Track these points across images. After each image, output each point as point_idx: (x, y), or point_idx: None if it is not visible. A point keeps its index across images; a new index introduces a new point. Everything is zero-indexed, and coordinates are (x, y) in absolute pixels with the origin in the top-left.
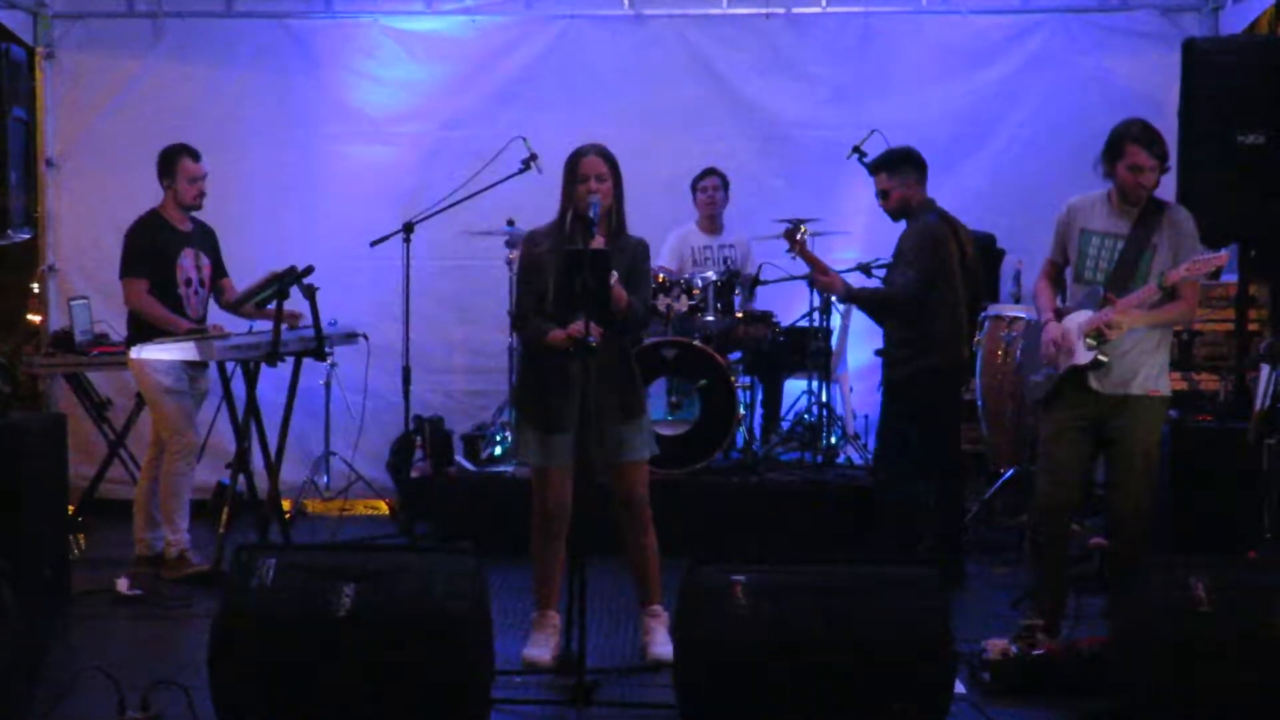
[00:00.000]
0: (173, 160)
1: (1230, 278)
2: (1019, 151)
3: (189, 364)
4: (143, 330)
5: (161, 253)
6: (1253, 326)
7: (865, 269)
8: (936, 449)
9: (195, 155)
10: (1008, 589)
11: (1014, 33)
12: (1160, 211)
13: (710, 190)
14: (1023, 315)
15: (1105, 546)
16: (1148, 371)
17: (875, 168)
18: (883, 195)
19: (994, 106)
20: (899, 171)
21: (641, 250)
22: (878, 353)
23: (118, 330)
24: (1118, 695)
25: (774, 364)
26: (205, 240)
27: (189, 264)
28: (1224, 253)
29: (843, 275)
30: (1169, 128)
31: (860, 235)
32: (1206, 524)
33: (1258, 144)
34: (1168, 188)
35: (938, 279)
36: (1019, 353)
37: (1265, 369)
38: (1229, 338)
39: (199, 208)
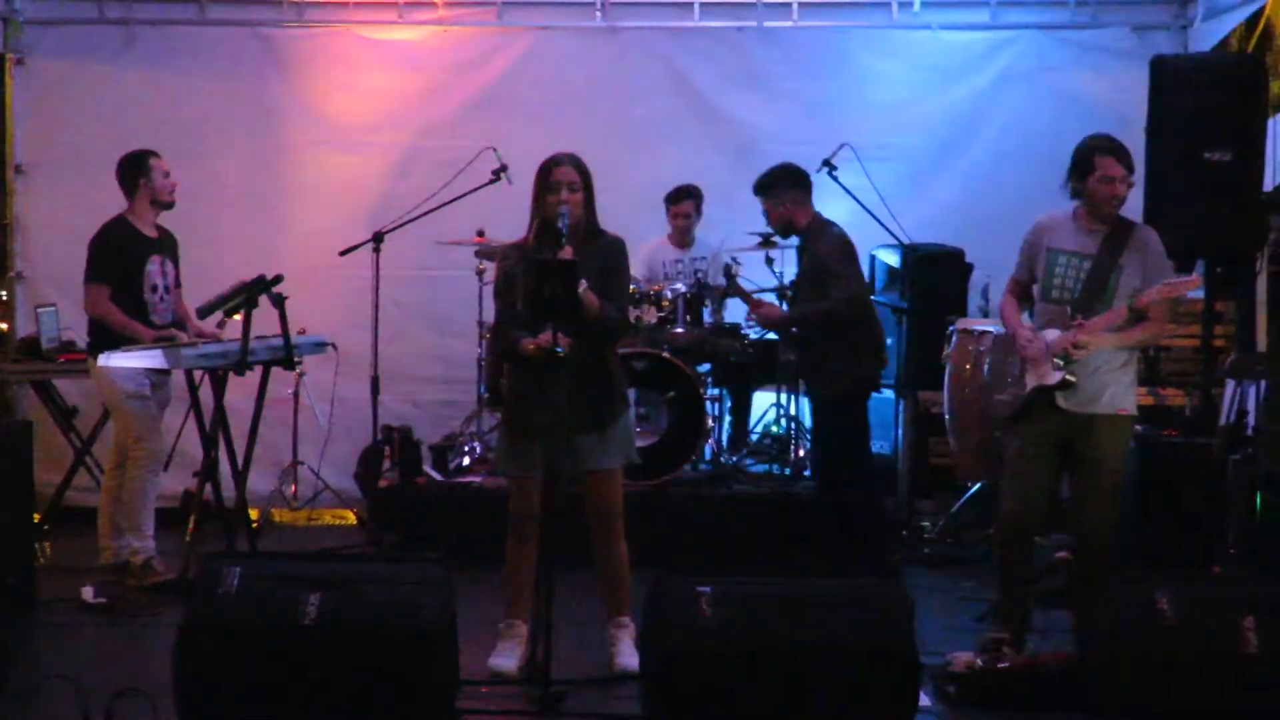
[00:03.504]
0: (141, 162)
1: (1197, 294)
2: (989, 166)
3: (152, 371)
4: (104, 336)
5: (129, 259)
6: (1219, 343)
7: (783, 292)
8: (870, 456)
9: (158, 154)
10: (974, 603)
11: (985, 48)
12: (1128, 231)
13: (682, 217)
14: (991, 329)
15: (1070, 561)
16: (1115, 390)
17: (755, 189)
18: (766, 215)
19: (965, 122)
20: (774, 193)
21: (616, 251)
22: (801, 375)
23: (85, 337)
24: (1083, 709)
25: (743, 376)
26: (170, 248)
27: (156, 271)
28: (1195, 276)
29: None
30: (1137, 144)
31: None
32: (1172, 538)
33: (1224, 161)
34: (1135, 204)
35: (865, 287)
36: (986, 369)
37: (1231, 385)
38: (1196, 353)
39: (174, 204)
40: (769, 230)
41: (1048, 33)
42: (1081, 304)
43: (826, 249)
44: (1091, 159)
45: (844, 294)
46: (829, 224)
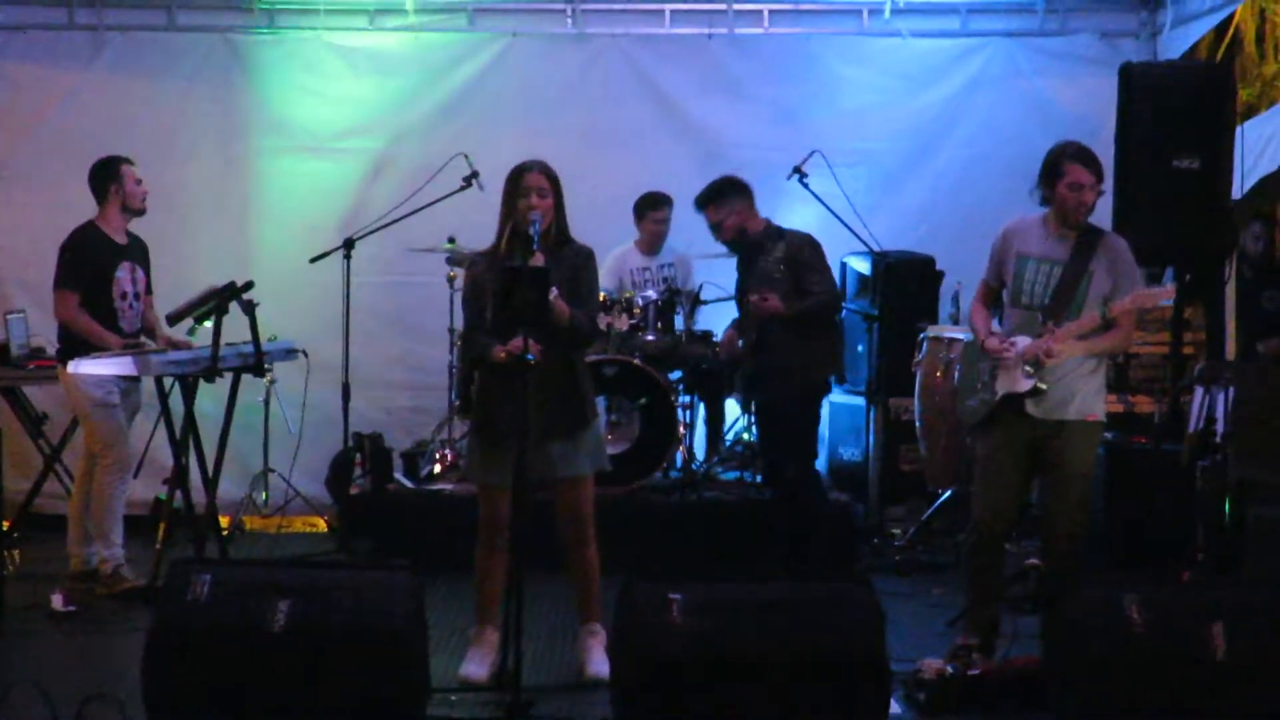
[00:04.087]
0: (113, 168)
1: (1165, 301)
2: (959, 173)
3: (122, 377)
4: (74, 343)
5: (98, 266)
6: (1188, 350)
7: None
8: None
9: (132, 161)
10: (944, 609)
11: (955, 55)
12: (1097, 238)
13: (661, 222)
14: (961, 337)
15: (1040, 567)
16: (1083, 396)
17: (701, 203)
18: (715, 228)
19: (935, 128)
20: (725, 202)
21: (586, 259)
22: (753, 378)
23: (54, 344)
24: (1052, 714)
25: (715, 383)
26: (140, 254)
27: (125, 277)
28: (1170, 286)
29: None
30: (1106, 152)
31: None
32: (1140, 545)
33: (1192, 168)
34: (1104, 211)
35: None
36: (955, 374)
37: (1199, 392)
38: (1165, 360)
39: (145, 211)
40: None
41: (1017, 40)
42: (1051, 310)
43: (801, 249)
44: (1060, 165)
45: (831, 288)
46: (785, 229)
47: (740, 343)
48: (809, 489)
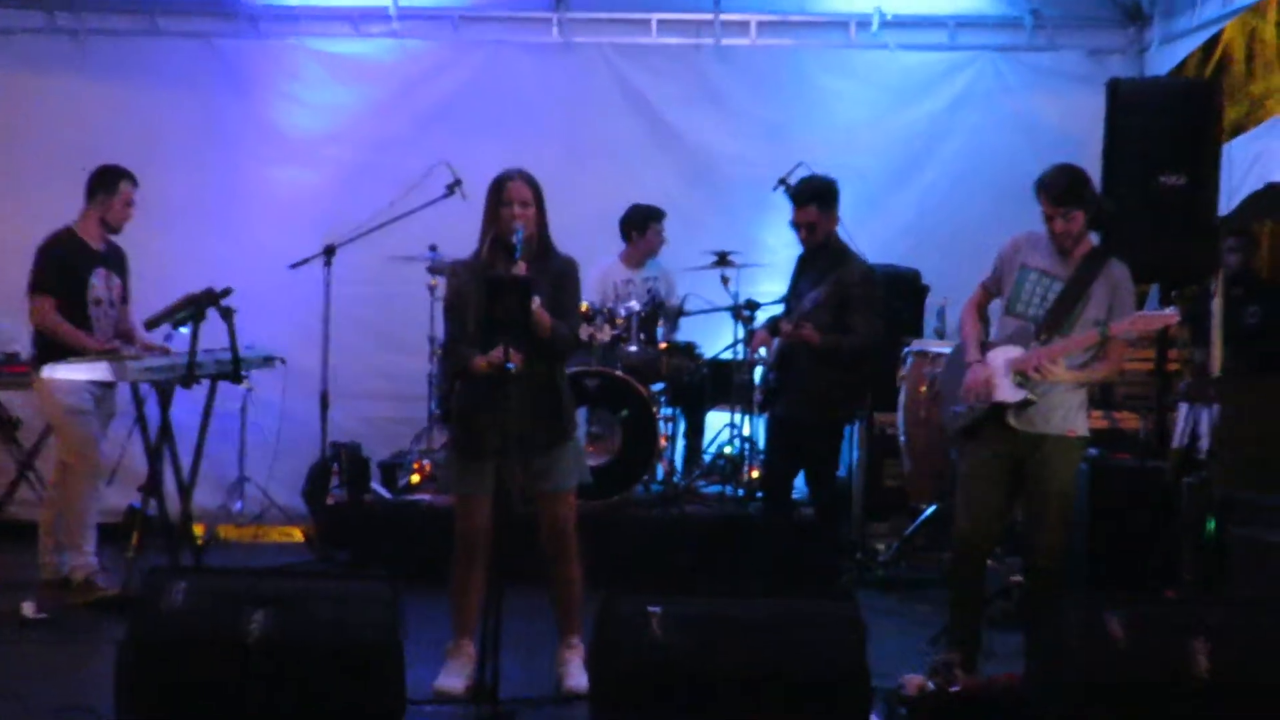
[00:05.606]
0: (115, 180)
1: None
2: (945, 188)
3: (96, 384)
4: (50, 349)
5: (73, 271)
6: (1173, 366)
7: (738, 312)
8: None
9: (135, 181)
10: (926, 625)
11: (942, 69)
12: (1102, 262)
13: (660, 234)
14: (945, 352)
15: (1023, 583)
16: (1066, 411)
17: (805, 199)
18: (809, 228)
19: (921, 143)
20: (829, 206)
21: (568, 269)
22: (781, 385)
23: (29, 349)
24: None
25: (697, 396)
26: (117, 261)
27: (100, 284)
28: (1172, 311)
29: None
30: (1093, 168)
31: (784, 269)
32: (1124, 562)
33: (1179, 185)
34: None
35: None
36: (939, 382)
37: (1184, 408)
38: (1150, 376)
39: (120, 231)
40: (725, 250)
41: (1005, 55)
42: (1046, 325)
43: (853, 285)
44: (1037, 195)
45: (873, 330)
46: (853, 252)
47: (762, 351)
48: (830, 516)
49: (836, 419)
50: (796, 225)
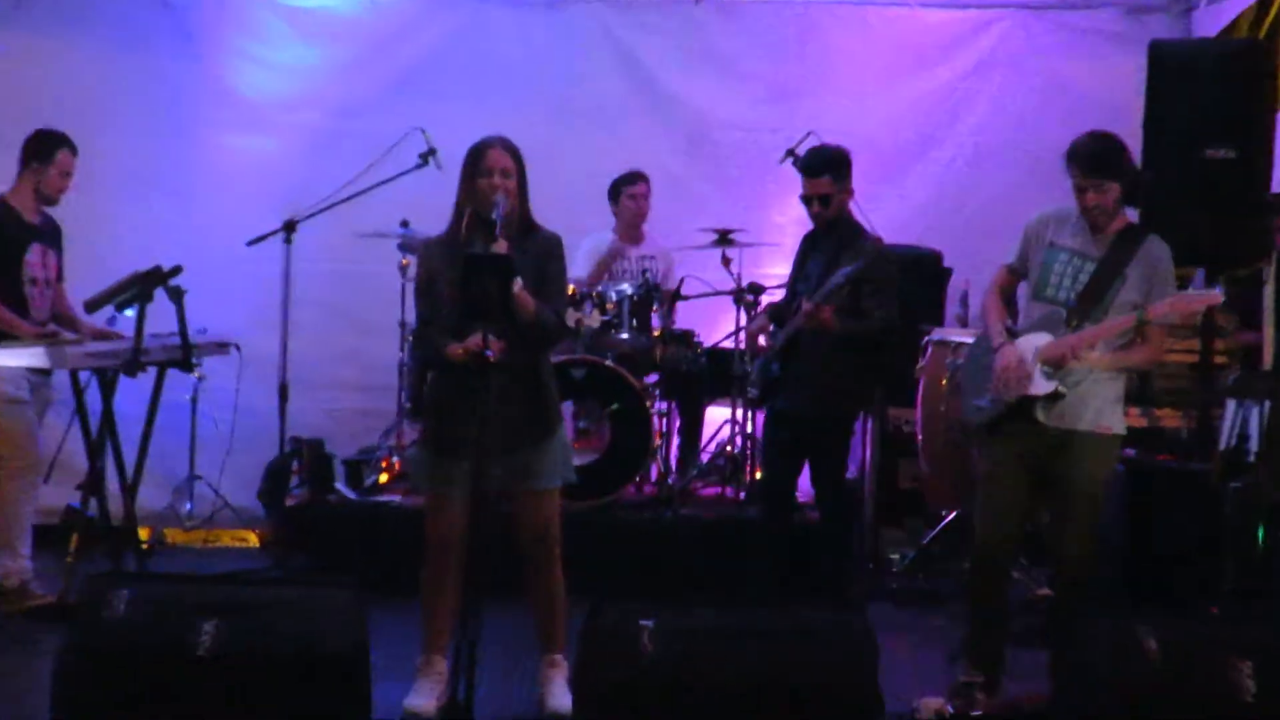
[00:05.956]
0: (52, 148)
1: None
2: (968, 161)
3: (32, 371)
4: None
5: (6, 247)
6: (1219, 359)
7: (740, 295)
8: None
9: (74, 149)
10: (945, 642)
11: (966, 29)
12: (1138, 240)
13: (639, 198)
14: (969, 341)
15: (1049, 596)
16: (1099, 405)
17: (817, 169)
18: (822, 201)
19: (942, 111)
20: (844, 176)
21: (553, 247)
22: (784, 377)
23: None
24: None
25: (694, 388)
26: (52, 236)
27: (36, 260)
28: (1217, 291)
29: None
30: (1133, 139)
31: (792, 248)
32: (1164, 574)
33: (1228, 159)
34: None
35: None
36: (960, 373)
37: (1230, 405)
38: (1193, 370)
39: (56, 204)
40: (726, 228)
41: (1036, 13)
42: (1078, 310)
43: (876, 264)
44: (1067, 165)
45: (891, 314)
46: (866, 230)
47: (763, 338)
48: (839, 519)
49: (847, 412)
50: (807, 199)
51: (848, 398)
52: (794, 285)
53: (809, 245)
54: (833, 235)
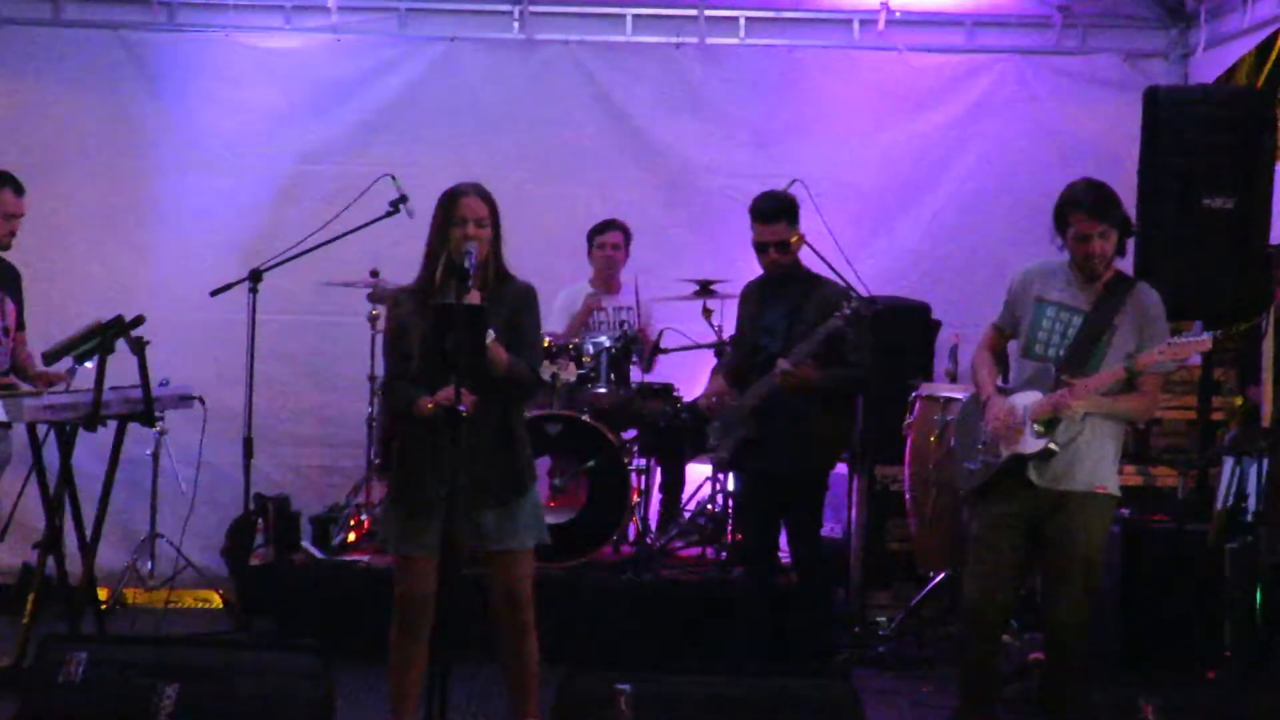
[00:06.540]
0: None
1: (1193, 360)
2: (960, 209)
3: None
4: None
5: None
6: (1217, 415)
7: (720, 347)
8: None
9: (19, 189)
10: (934, 710)
11: (958, 74)
12: (1127, 289)
13: (610, 248)
14: (959, 396)
15: (1043, 662)
16: (1093, 465)
17: (776, 214)
18: (779, 247)
19: (932, 158)
20: (797, 222)
21: (526, 298)
22: (761, 437)
23: None
24: None
25: (675, 444)
26: (10, 282)
27: None
28: (1206, 337)
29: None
30: (1128, 188)
31: None
32: (1160, 637)
33: (1225, 209)
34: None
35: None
36: (953, 437)
37: (1229, 464)
38: (1191, 427)
39: (7, 249)
40: (708, 278)
41: (1029, 58)
42: (1068, 364)
43: (858, 316)
44: (1066, 213)
45: (866, 362)
46: (819, 276)
47: (723, 398)
48: (816, 576)
49: (825, 465)
50: (763, 245)
51: (826, 450)
52: (750, 339)
53: (760, 294)
54: (791, 284)
